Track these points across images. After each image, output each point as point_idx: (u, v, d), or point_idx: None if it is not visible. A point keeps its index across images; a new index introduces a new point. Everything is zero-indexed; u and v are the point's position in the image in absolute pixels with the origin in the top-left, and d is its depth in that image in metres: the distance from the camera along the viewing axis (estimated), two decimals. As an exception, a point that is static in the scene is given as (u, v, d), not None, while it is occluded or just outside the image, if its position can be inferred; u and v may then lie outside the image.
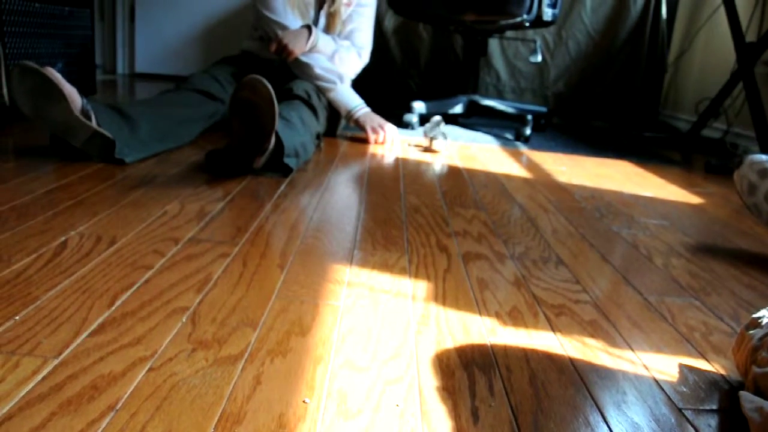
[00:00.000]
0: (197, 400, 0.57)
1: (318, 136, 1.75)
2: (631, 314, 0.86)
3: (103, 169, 1.34)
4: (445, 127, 2.42)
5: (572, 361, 0.71)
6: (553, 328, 0.79)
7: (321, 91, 1.90)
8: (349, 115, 1.97)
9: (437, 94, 2.78)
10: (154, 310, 0.73)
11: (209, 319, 0.72)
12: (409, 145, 2.04)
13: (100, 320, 0.69)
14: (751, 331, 0.68)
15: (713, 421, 0.63)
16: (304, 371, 0.64)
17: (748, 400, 0.57)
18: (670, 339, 0.80)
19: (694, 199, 1.65)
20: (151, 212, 1.08)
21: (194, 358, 0.64)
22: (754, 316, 0.71)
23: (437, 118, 2.02)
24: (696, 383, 0.70)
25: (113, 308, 0.73)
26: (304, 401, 0.59)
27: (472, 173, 1.70)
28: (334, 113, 1.99)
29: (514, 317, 0.81)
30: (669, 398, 0.66)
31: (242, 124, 1.29)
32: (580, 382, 0.67)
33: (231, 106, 1.29)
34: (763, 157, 1.24)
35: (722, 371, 0.73)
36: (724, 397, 0.68)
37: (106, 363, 0.61)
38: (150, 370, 0.61)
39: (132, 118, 1.44)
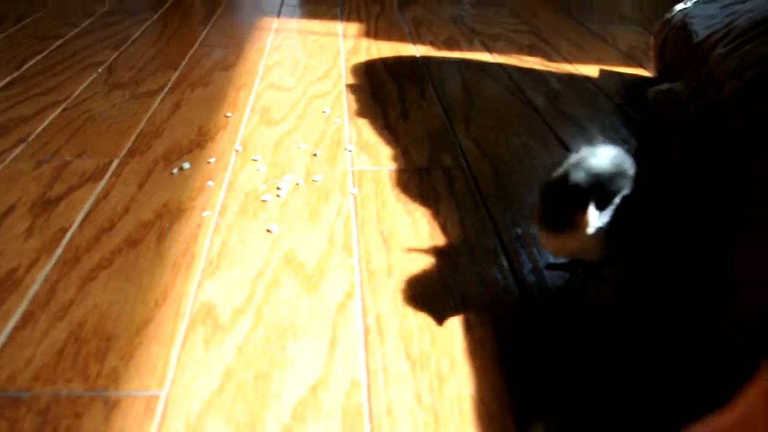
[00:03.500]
0: (114, 126, 0.54)
1: None
2: (573, 38, 0.83)
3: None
4: None
5: (506, 71, 0.69)
6: (490, 50, 0.76)
7: None
8: None
9: None
10: (67, 67, 0.69)
11: (127, 67, 0.68)
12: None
13: (6, 80, 0.65)
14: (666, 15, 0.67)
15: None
16: (227, 95, 0.61)
17: (650, 90, 0.58)
18: (609, 56, 0.78)
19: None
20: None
21: (111, 96, 0.61)
22: None
23: None
24: (628, 84, 0.69)
25: (21, 70, 0.68)
26: (225, 116, 0.56)
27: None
28: None
29: (449, 44, 0.78)
30: (606, 96, 0.65)
31: None
32: (514, 88, 0.65)
33: None
34: None
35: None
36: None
37: (15, 109, 0.58)
38: (64, 110, 0.58)
39: None
